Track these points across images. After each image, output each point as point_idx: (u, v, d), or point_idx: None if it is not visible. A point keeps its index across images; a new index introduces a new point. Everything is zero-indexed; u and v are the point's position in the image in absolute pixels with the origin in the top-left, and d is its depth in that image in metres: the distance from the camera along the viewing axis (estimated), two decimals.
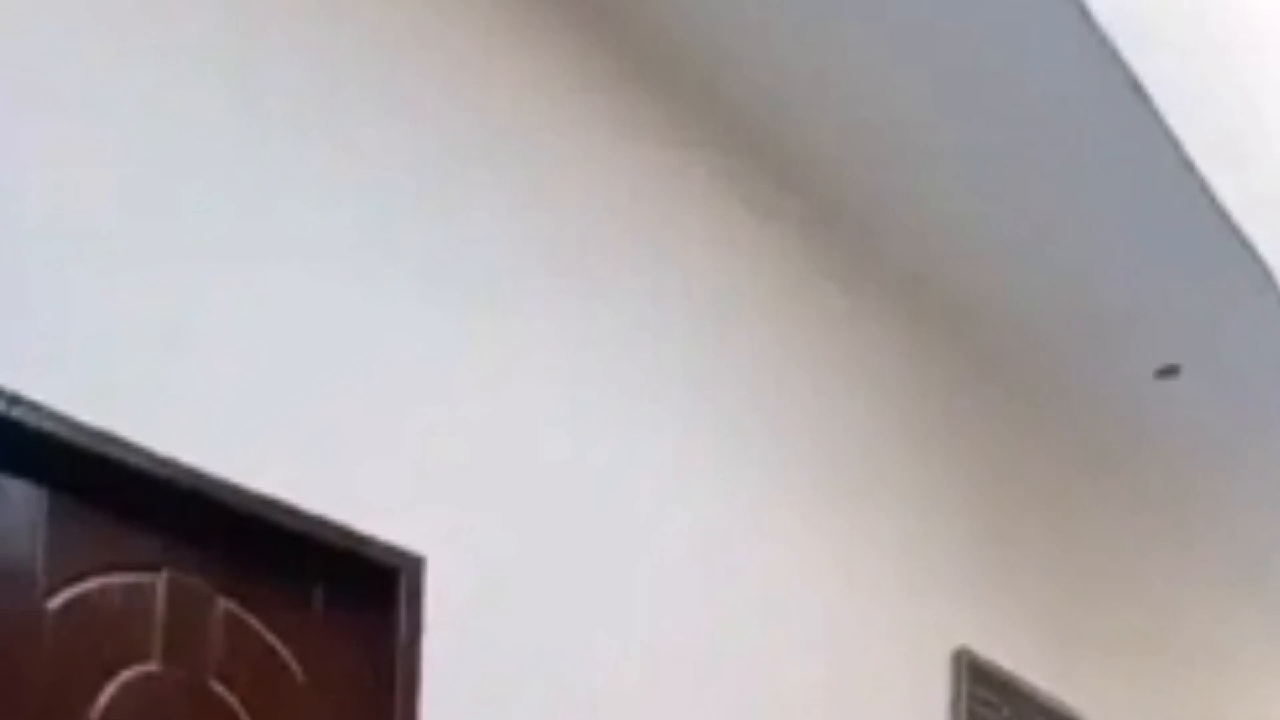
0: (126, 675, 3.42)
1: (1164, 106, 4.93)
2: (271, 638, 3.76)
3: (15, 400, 3.09)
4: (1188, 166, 5.16)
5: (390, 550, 3.90)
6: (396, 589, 3.93)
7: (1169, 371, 6.54)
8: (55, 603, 3.30)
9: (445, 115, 4.11)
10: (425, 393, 4.03)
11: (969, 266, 5.83)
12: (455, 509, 4.10)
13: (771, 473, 5.35)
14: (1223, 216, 5.42)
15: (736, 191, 5.13)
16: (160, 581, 3.51)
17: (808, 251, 5.50)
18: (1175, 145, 5.06)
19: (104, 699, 3.38)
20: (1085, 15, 4.51)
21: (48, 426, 3.15)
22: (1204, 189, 5.28)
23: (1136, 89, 4.81)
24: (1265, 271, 5.74)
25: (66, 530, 3.31)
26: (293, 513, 3.65)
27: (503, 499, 4.26)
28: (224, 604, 3.65)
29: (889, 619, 5.99)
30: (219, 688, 3.62)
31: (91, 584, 3.37)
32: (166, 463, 3.37)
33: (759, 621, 5.27)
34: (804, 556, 5.52)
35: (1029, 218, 5.50)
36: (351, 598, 3.91)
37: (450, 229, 4.11)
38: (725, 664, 5.08)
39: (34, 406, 3.12)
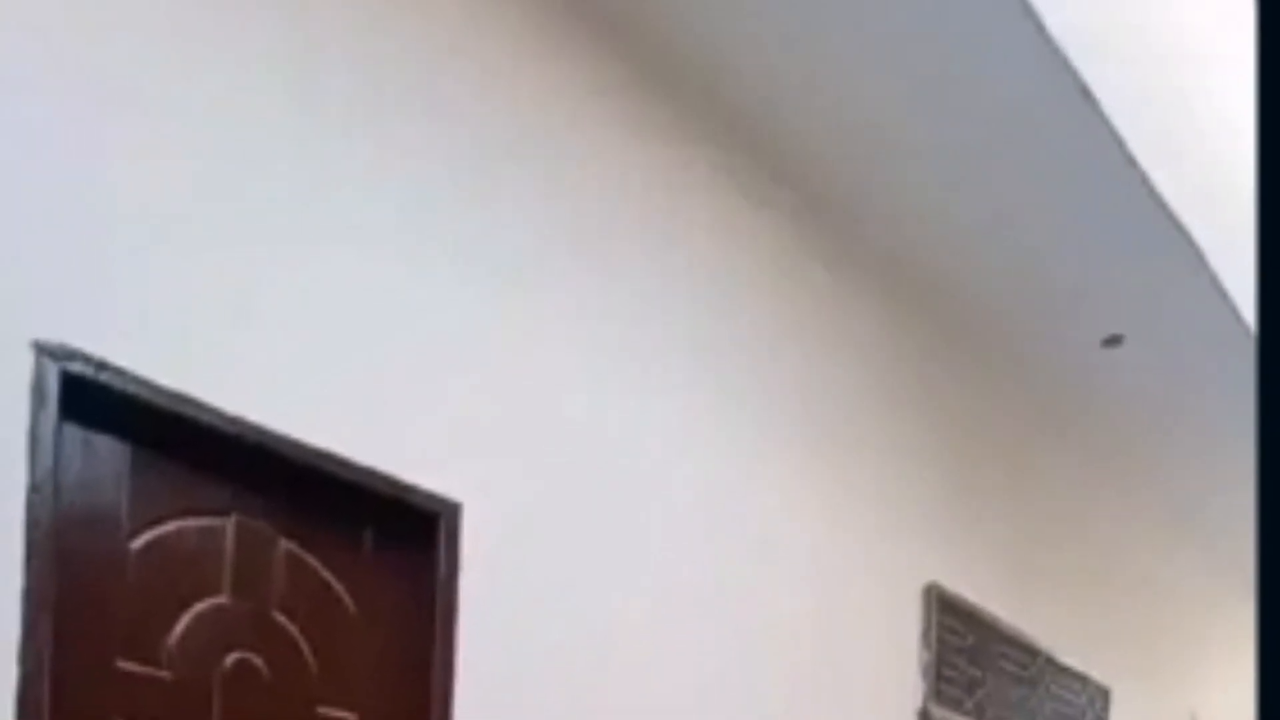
0: (200, 607, 3.44)
1: (1110, 109, 4.91)
2: (327, 574, 3.77)
3: (102, 366, 3.09)
4: (1130, 162, 5.14)
5: (431, 497, 3.90)
6: (437, 531, 3.93)
7: (1113, 341, 6.53)
8: (137, 543, 3.32)
9: (478, 116, 4.10)
10: (461, 359, 4.02)
11: (939, 249, 5.81)
12: (488, 461, 4.10)
13: (765, 429, 5.34)
14: (1161, 205, 5.41)
15: (735, 183, 5.11)
16: (229, 525, 3.52)
17: (797, 236, 5.49)
18: (1119, 143, 5.04)
19: (180, 627, 3.39)
20: (1041, 29, 4.49)
21: (131, 389, 3.16)
22: (1144, 181, 5.26)
23: (1086, 94, 4.79)
24: (1198, 253, 5.73)
25: (147, 480, 3.32)
26: (345, 464, 3.66)
27: (530, 452, 4.26)
28: (285, 545, 3.66)
29: (868, 557, 5.99)
30: (280, 618, 3.64)
31: (169, 527, 3.38)
32: (235, 420, 3.37)
33: (754, 559, 5.26)
34: (794, 502, 5.52)
35: (992, 206, 5.48)
36: (397, 539, 3.91)
37: (483, 216, 4.10)
38: (725, 597, 5.08)
39: (119, 371, 3.13)
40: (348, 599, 3.83)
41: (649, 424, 4.74)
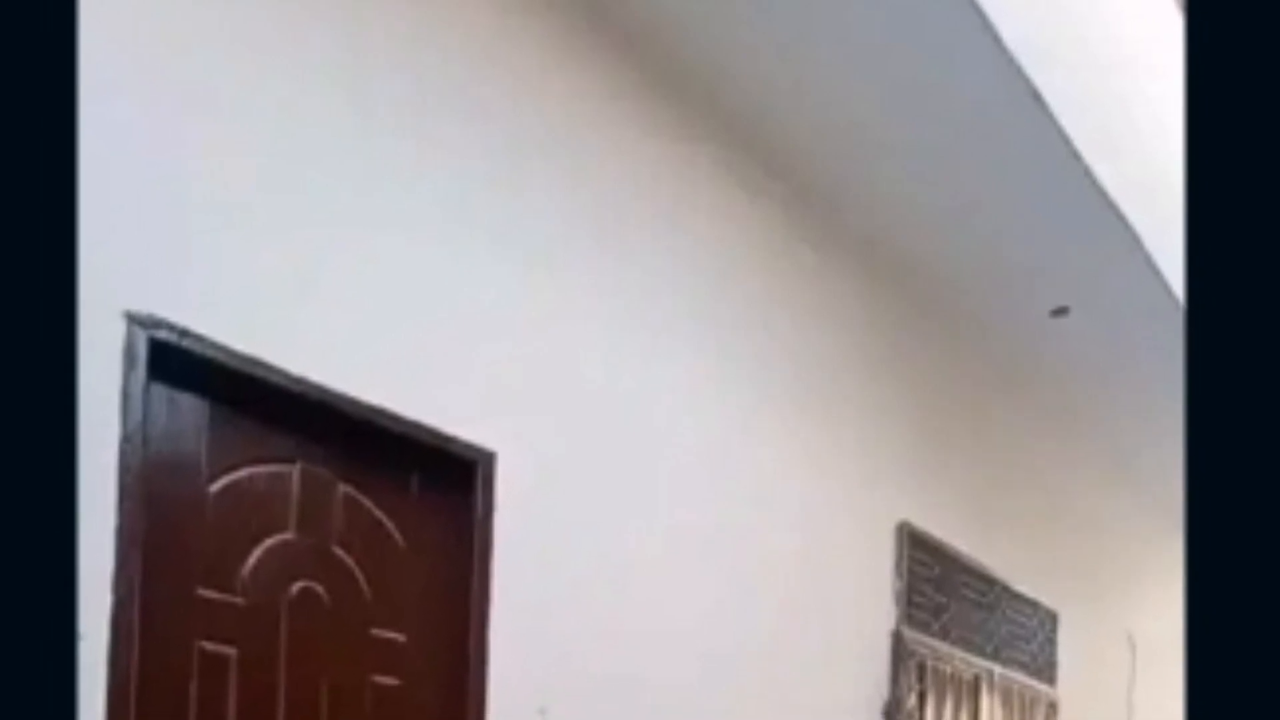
0: (269, 542, 3.45)
1: (1057, 111, 4.88)
2: (379, 514, 3.77)
3: (184, 333, 3.08)
4: (1075, 156, 5.12)
5: (470, 447, 3.90)
6: (474, 477, 3.93)
7: (1060, 311, 6.51)
8: (215, 487, 3.32)
9: (510, 117, 4.07)
10: (495, 328, 4.00)
11: (911, 232, 5.79)
12: (519, 416, 4.09)
13: (759, 389, 5.32)
14: (1102, 195, 5.39)
15: (733, 176, 5.09)
16: (295, 471, 3.52)
17: (787, 222, 5.46)
18: (1066, 140, 5.02)
19: (252, 560, 3.40)
20: (997, 41, 4.47)
21: (209, 353, 3.15)
22: (1087, 174, 5.24)
23: (1036, 97, 4.76)
24: (1135, 236, 5.71)
25: (223, 432, 3.32)
26: (395, 418, 3.65)
27: (555, 409, 4.24)
28: (343, 488, 3.66)
29: (848, 500, 5.97)
30: (339, 552, 3.64)
31: (242, 473, 3.39)
32: (299, 380, 3.37)
33: (750, 502, 5.25)
34: (784, 454, 5.51)
35: (956, 195, 5.45)
36: (440, 484, 3.90)
37: (514, 204, 4.08)
38: (724, 536, 5.07)
39: (199, 338, 3.12)
40: (397, 535, 3.83)
41: (658, 385, 4.72)
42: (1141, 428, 8.15)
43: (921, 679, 6.50)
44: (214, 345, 3.17)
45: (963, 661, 6.93)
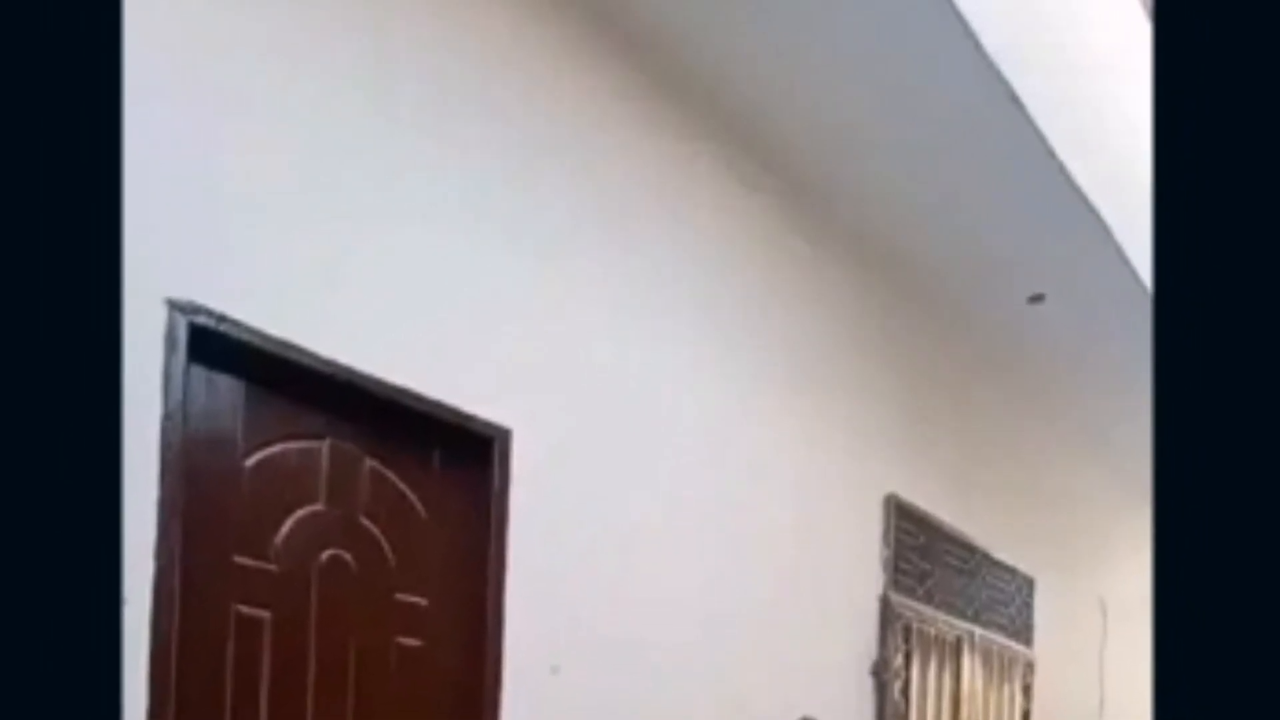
0: (300, 513, 3.46)
1: (1034, 112, 4.88)
2: (403, 487, 3.77)
3: (222, 319, 3.09)
4: (1050, 155, 5.11)
5: (487, 425, 3.89)
6: (492, 453, 3.93)
7: (1037, 299, 6.50)
8: (250, 462, 3.33)
9: (524, 117, 4.07)
10: (511, 315, 4.00)
11: (898, 225, 5.78)
12: (533, 396, 4.09)
13: (757, 371, 5.32)
14: (1075, 190, 5.38)
15: (732, 172, 5.08)
16: (324, 447, 3.53)
17: (783, 215, 5.46)
18: (1042, 139, 5.01)
19: (285, 530, 3.41)
20: (978, 46, 4.46)
21: (245, 337, 3.15)
22: (1062, 171, 5.22)
23: (1014, 100, 4.75)
24: (1106, 229, 5.70)
25: (258, 410, 3.33)
26: (418, 398, 3.65)
27: (566, 389, 4.24)
28: (370, 463, 3.66)
29: (839, 474, 5.97)
30: (366, 522, 3.65)
31: (276, 448, 3.39)
32: (329, 362, 3.37)
33: (747, 477, 5.25)
34: (779, 431, 5.50)
35: (939, 190, 5.44)
36: (460, 458, 3.90)
37: (527, 199, 4.07)
38: (723, 507, 5.07)
39: (235, 323, 3.13)
40: (420, 507, 3.83)
41: (662, 367, 4.72)
42: (1113, 407, 8.15)
43: (907, 640, 6.50)
44: (249, 330, 3.17)
45: (946, 624, 6.94)
